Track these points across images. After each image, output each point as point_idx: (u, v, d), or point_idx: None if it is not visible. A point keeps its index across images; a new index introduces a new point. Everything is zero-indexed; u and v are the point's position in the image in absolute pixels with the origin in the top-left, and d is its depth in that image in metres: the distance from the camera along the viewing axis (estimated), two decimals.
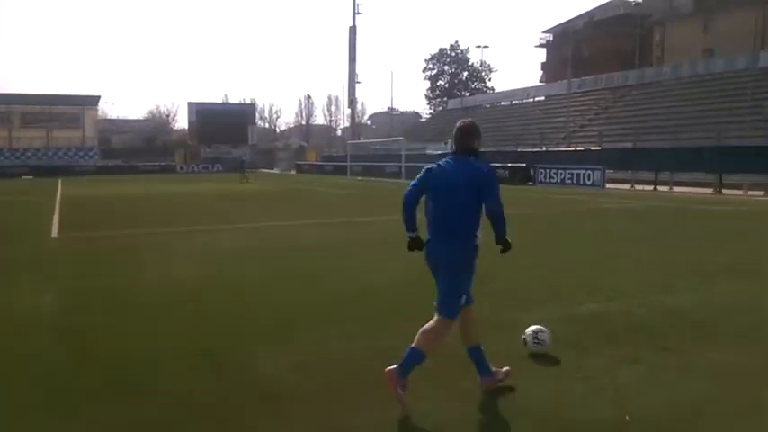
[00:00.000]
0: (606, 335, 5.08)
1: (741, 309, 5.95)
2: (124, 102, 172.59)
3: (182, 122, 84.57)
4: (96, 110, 71.47)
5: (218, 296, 6.75)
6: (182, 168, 62.67)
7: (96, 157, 65.20)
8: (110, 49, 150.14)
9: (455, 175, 3.76)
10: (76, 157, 64.02)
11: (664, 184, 26.22)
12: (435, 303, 3.83)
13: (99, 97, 71.72)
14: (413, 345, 3.70)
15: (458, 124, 3.96)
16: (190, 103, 69.63)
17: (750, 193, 22.92)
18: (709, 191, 24.20)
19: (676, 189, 25.43)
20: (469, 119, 4.07)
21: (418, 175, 3.91)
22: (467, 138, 3.89)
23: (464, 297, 3.86)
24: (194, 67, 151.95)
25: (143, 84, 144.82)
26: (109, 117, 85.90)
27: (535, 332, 4.56)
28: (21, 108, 64.19)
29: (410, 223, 3.86)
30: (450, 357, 4.16)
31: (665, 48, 63.32)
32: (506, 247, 3.83)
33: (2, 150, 62.12)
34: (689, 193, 23.98)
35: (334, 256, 9.38)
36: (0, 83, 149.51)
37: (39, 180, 46.93)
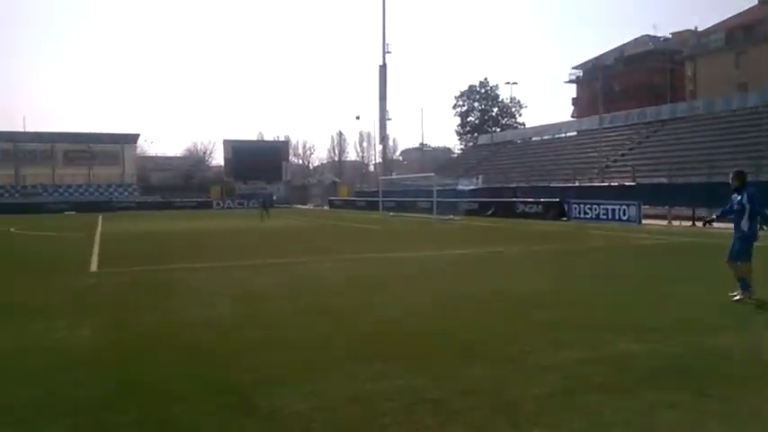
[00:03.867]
0: (643, 377, 4.92)
1: None
2: (162, 139, 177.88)
3: (218, 159, 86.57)
4: (135, 147, 73.66)
5: (248, 332, 6.78)
6: (218, 204, 63.82)
7: (135, 193, 67.01)
8: (148, 88, 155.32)
9: (738, 198, 8.03)
10: (116, 193, 65.88)
11: (701, 219, 25.63)
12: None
13: (138, 135, 74.06)
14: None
15: (734, 171, 8.39)
16: (226, 141, 71.29)
17: None
18: None
19: (715, 225, 24.81)
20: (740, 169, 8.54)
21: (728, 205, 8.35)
22: (742, 178, 8.21)
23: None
24: (230, 105, 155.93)
25: (181, 121, 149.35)
26: (148, 154, 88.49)
27: None
28: (63, 146, 66.70)
29: (722, 214, 8.87)
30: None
31: (697, 82, 62.82)
32: None
33: (46, 187, 64.35)
34: (729, 228, 23.37)
35: (356, 293, 9.36)
36: (44, 122, 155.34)
37: (80, 216, 48.27)
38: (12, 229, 28.97)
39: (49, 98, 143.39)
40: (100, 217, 40.70)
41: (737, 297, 7.95)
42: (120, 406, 4.40)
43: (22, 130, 70.05)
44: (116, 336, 6.73)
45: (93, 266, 13.38)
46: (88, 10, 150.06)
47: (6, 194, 61.89)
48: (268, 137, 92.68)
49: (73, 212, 54.12)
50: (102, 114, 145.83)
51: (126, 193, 66.19)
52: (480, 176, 53.78)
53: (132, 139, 71.49)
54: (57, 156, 66.40)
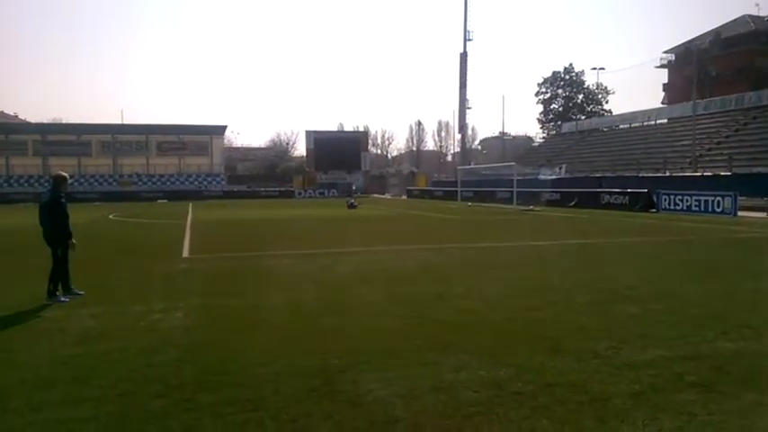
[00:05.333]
0: (741, 377, 4.68)
1: None
2: (248, 131, 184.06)
3: (300, 150, 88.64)
4: (223, 139, 76.61)
5: (330, 318, 6.95)
6: (299, 194, 65.45)
7: (223, 182, 69.90)
8: (235, 82, 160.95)
9: None
10: (205, 182, 69.01)
11: None
12: None
13: (225, 127, 76.78)
14: None
15: None
16: (308, 132, 72.79)
17: None
18: None
19: None
20: None
21: None
22: None
23: None
24: (312, 97, 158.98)
25: (265, 113, 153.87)
26: (234, 145, 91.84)
27: None
28: (156, 137, 70.45)
29: None
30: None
31: None
32: None
33: (140, 176, 68.25)
34: None
35: (437, 282, 9.36)
36: (138, 115, 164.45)
37: (172, 203, 50.88)
38: (111, 216, 30.92)
39: (144, 92, 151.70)
40: (190, 205, 42.70)
41: None
42: (211, 386, 4.62)
43: (119, 122, 74.62)
44: (207, 319, 7.08)
45: (185, 252, 14.07)
46: (179, 10, 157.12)
47: (105, 183, 66.23)
48: (348, 127, 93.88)
49: (165, 200, 57.16)
50: (192, 107, 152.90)
51: (214, 183, 69.16)
52: (563, 166, 52.26)
53: (220, 130, 74.32)
54: (150, 146, 70.21)
